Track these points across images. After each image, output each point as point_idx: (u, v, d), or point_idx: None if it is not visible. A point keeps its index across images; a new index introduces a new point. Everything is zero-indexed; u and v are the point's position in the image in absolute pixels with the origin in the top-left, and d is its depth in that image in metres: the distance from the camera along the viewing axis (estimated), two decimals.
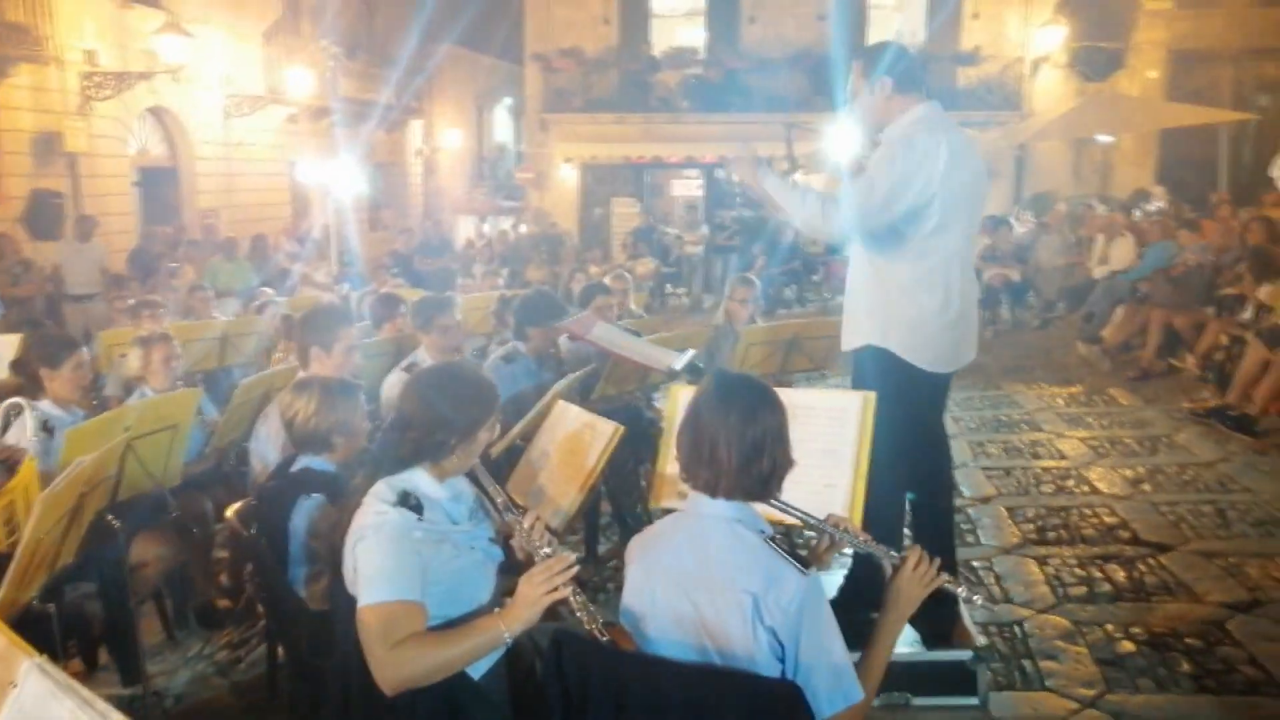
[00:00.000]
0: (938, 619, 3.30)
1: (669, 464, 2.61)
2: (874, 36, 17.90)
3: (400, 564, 1.93)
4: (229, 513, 2.70)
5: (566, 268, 17.62)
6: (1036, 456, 6.13)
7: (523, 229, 20.00)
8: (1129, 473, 5.63)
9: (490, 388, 2.21)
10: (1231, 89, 17.05)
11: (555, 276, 17.60)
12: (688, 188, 23.22)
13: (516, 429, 3.28)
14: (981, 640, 3.63)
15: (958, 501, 5.24)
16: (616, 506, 4.02)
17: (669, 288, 16.10)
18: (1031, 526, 4.87)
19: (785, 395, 2.49)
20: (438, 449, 2.10)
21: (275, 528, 2.59)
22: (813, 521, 2.09)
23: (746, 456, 1.91)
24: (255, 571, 2.68)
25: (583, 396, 4.18)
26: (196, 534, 4.00)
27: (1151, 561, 4.34)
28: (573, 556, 1.92)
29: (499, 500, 2.11)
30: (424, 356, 4.06)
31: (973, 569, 4.37)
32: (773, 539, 1.90)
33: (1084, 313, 9.94)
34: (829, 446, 2.38)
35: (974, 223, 3.48)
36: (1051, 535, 4.75)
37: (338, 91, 17.39)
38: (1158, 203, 14.73)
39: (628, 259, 17.10)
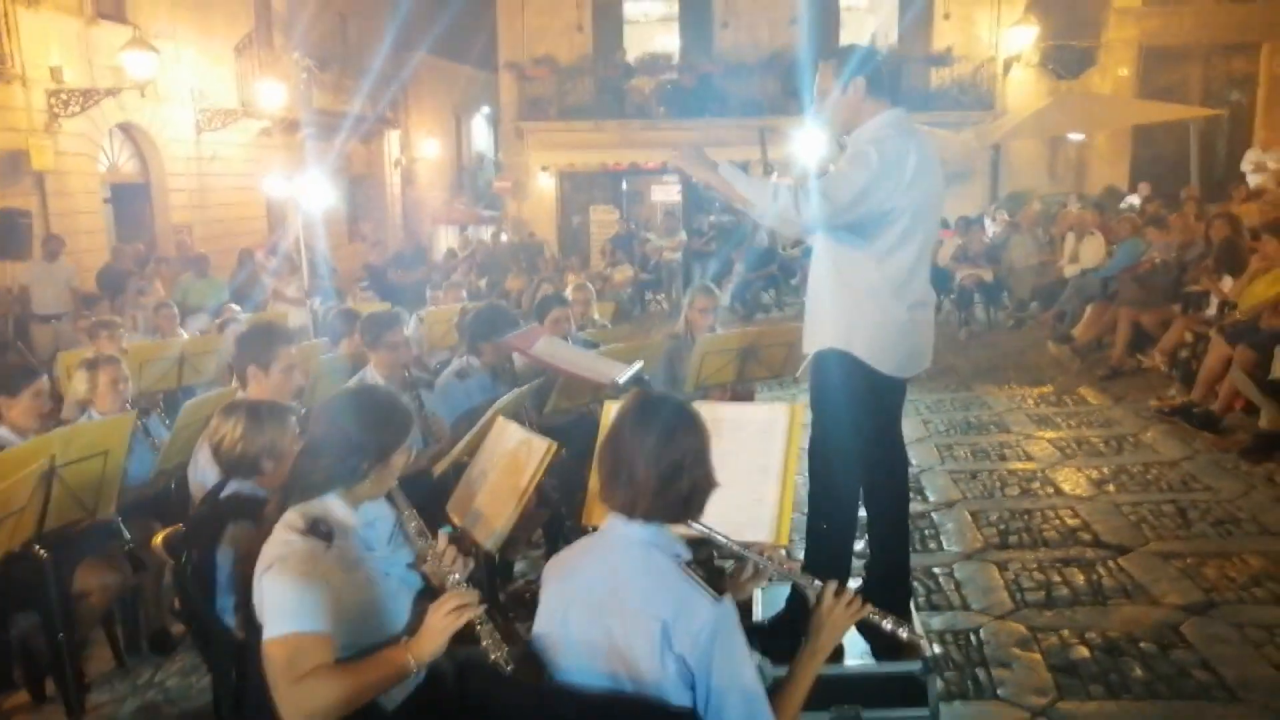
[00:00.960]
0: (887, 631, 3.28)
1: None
2: (847, 39, 17.96)
3: (306, 595, 1.89)
4: (156, 540, 2.65)
5: (545, 276, 17.62)
6: (1004, 459, 6.12)
7: (503, 238, 19.97)
8: (1094, 473, 5.62)
9: (403, 411, 2.17)
10: (1201, 85, 17.18)
11: (535, 285, 17.60)
12: (667, 193, 23.23)
13: (459, 446, 3.24)
14: (936, 649, 3.62)
15: (923, 507, 5.25)
16: (558, 522, 3.98)
17: (648, 294, 16.07)
18: (994, 531, 4.85)
19: (714, 410, 2.47)
20: (350, 474, 2.06)
21: (204, 555, 2.54)
22: (734, 549, 2.06)
23: (664, 478, 1.89)
24: (180, 601, 2.63)
25: (537, 410, 4.15)
26: (146, 559, 3.94)
27: (1111, 564, 4.33)
28: (477, 593, 1.89)
29: (412, 525, 2.08)
30: (373, 374, 4.01)
31: (933, 576, 4.35)
32: (689, 564, 1.87)
33: (1055, 312, 9.96)
34: (758, 462, 2.35)
35: (935, 230, 3.48)
36: (1014, 539, 4.74)
37: (311, 103, 17.36)
38: (1133, 199, 14.82)
39: (606, 266, 17.08)
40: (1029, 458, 6.09)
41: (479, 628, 1.84)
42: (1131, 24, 17.18)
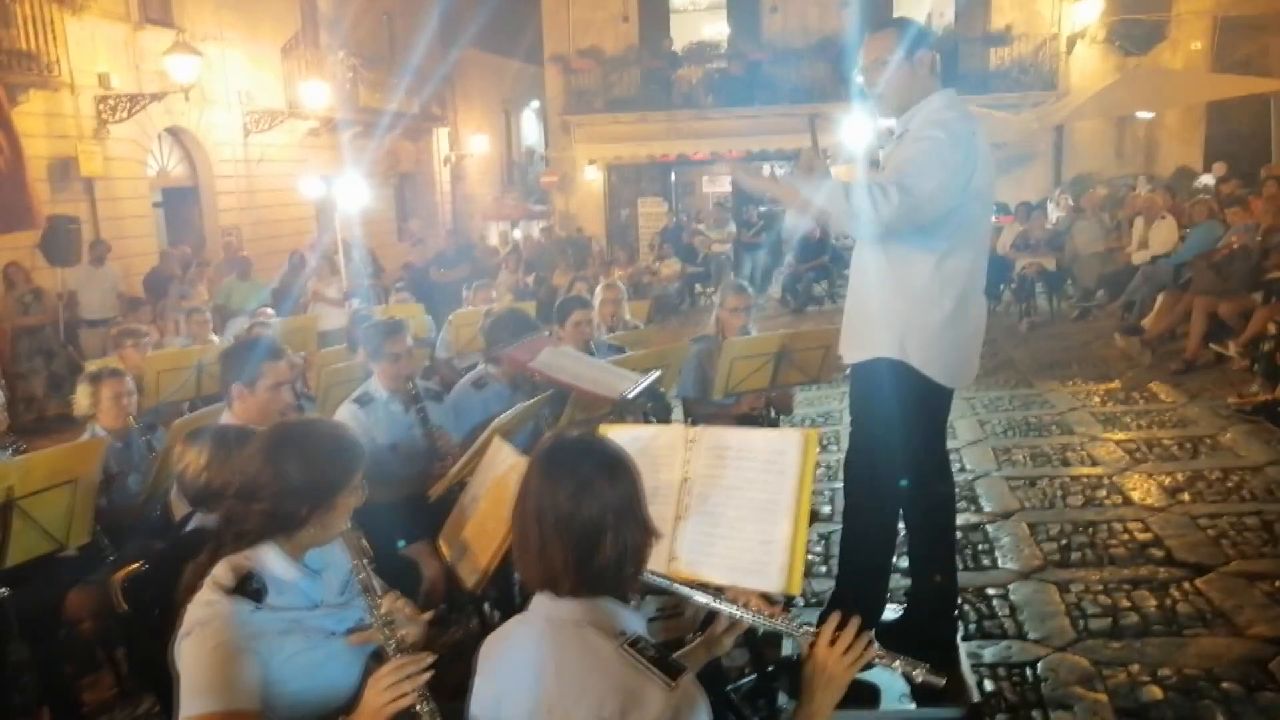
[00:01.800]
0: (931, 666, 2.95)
1: None
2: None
3: (229, 667, 1.64)
4: (116, 577, 2.44)
5: (592, 271, 17.38)
6: (1066, 463, 5.69)
7: (547, 233, 19.80)
8: (1167, 480, 5.17)
9: (351, 445, 1.91)
10: None
11: (581, 280, 17.38)
12: (717, 185, 22.85)
13: (455, 468, 2.99)
14: (986, 687, 3.27)
15: (976, 518, 4.87)
16: None
17: (698, 287, 15.74)
18: (1055, 546, 4.46)
19: (718, 438, 2.17)
20: (288, 520, 1.81)
21: (160, 596, 2.32)
22: (701, 601, 1.77)
23: (581, 547, 1.59)
24: (128, 646, 2.41)
25: (553, 422, 3.88)
26: None
27: (1187, 586, 3.91)
28: (429, 658, 1.61)
29: (359, 578, 1.82)
30: (376, 387, 3.78)
31: (985, 598, 3.99)
32: (634, 643, 1.55)
33: (1123, 301, 9.40)
34: (767, 496, 2.05)
35: (989, 223, 3.18)
36: (1076, 556, 4.34)
37: (357, 102, 17.35)
38: (1207, 180, 14.03)
39: (654, 260, 16.79)
40: (1094, 462, 5.65)
41: (420, 707, 1.57)
42: None
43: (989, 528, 4.77)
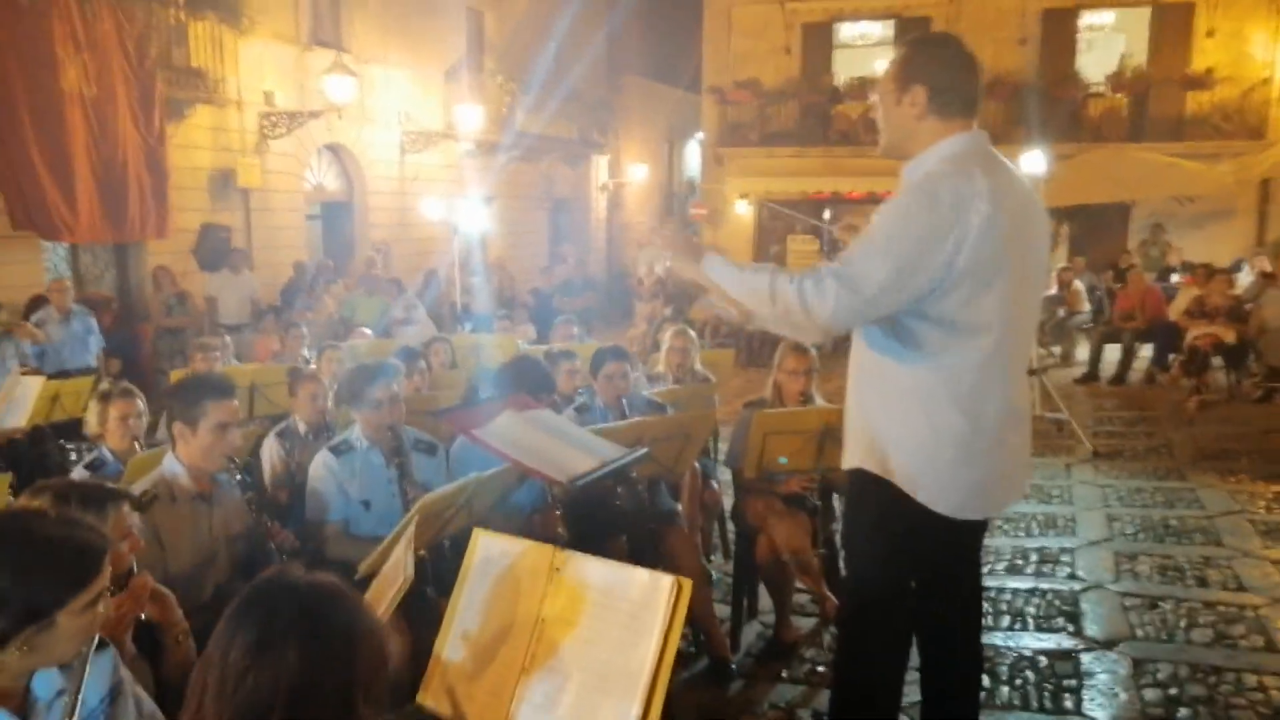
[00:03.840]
0: None
1: (449, 636, 1.84)
2: (1087, 62, 16.10)
3: None
4: None
5: (666, 317, 16.84)
6: (1203, 583, 4.75)
7: None
8: None
9: (74, 552, 1.55)
10: None
11: (656, 325, 16.89)
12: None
13: (379, 548, 2.59)
14: None
15: (1070, 642, 4.09)
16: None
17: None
18: (1160, 695, 3.63)
19: (580, 570, 1.69)
20: None
21: None
22: None
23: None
24: None
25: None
26: None
27: None
28: None
29: (72, 705, 1.44)
30: (357, 435, 3.46)
31: None
32: None
33: None
34: (622, 661, 1.54)
35: (1029, 303, 2.46)
36: (1185, 714, 3.50)
37: (515, 127, 17.62)
38: None
39: None
40: (1240, 586, 4.69)
41: None
42: None
43: (1084, 658, 3.97)
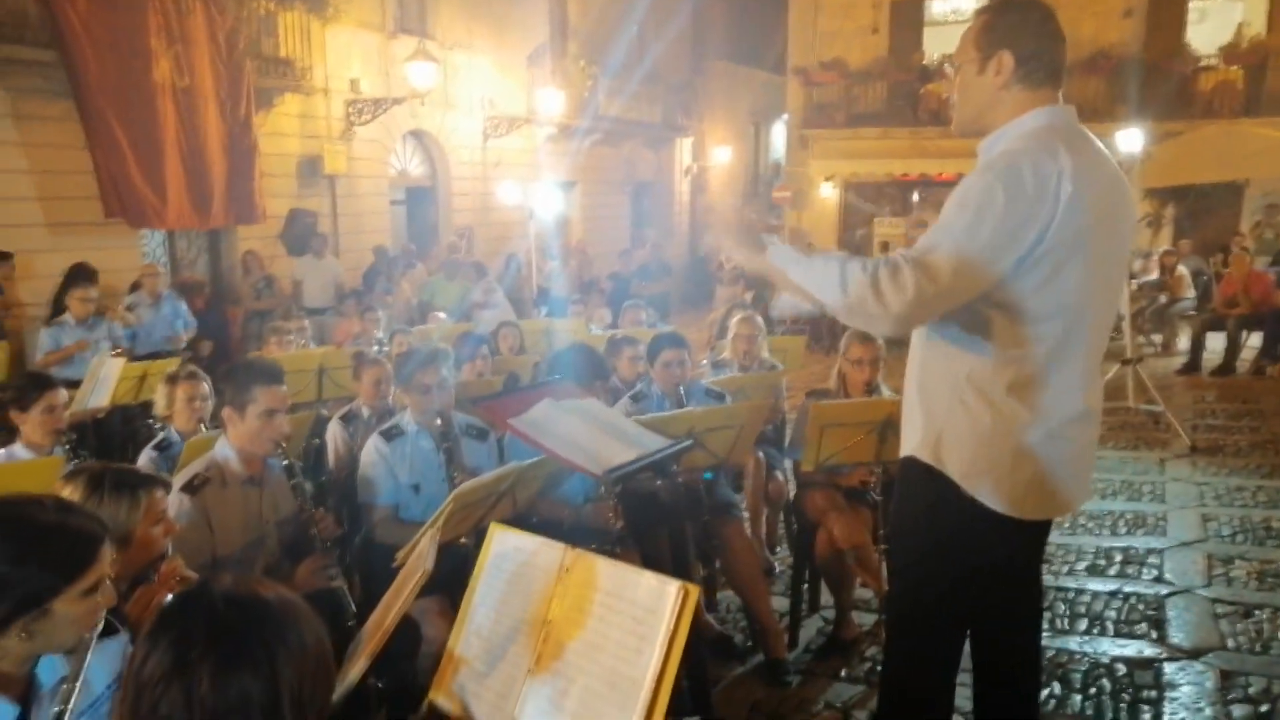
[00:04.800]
0: None
1: (462, 632, 1.79)
2: (1196, 34, 15.23)
3: None
4: None
5: (737, 303, 16.56)
6: None
7: None
8: None
9: (84, 536, 1.54)
10: None
11: (726, 312, 16.63)
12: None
13: (417, 535, 2.57)
14: None
15: (1151, 650, 3.87)
16: None
17: None
18: (1250, 712, 3.38)
19: (591, 568, 1.62)
20: None
21: None
22: None
23: None
24: None
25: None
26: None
27: None
28: None
29: (55, 710, 1.42)
30: (407, 420, 3.46)
31: None
32: None
33: None
34: (625, 668, 1.46)
35: (1106, 292, 2.27)
36: None
37: (598, 111, 17.58)
38: None
39: None
40: None
41: None
42: None
43: (1167, 667, 3.74)
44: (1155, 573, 4.69)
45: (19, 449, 3.53)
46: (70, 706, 1.47)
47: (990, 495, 2.16)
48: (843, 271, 2.06)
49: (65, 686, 1.50)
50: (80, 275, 7.78)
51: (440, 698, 1.75)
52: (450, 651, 1.79)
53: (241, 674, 1.13)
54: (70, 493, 2.14)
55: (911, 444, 2.32)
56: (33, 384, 3.61)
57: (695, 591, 1.45)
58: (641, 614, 1.48)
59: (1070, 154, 2.06)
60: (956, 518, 2.19)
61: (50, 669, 1.58)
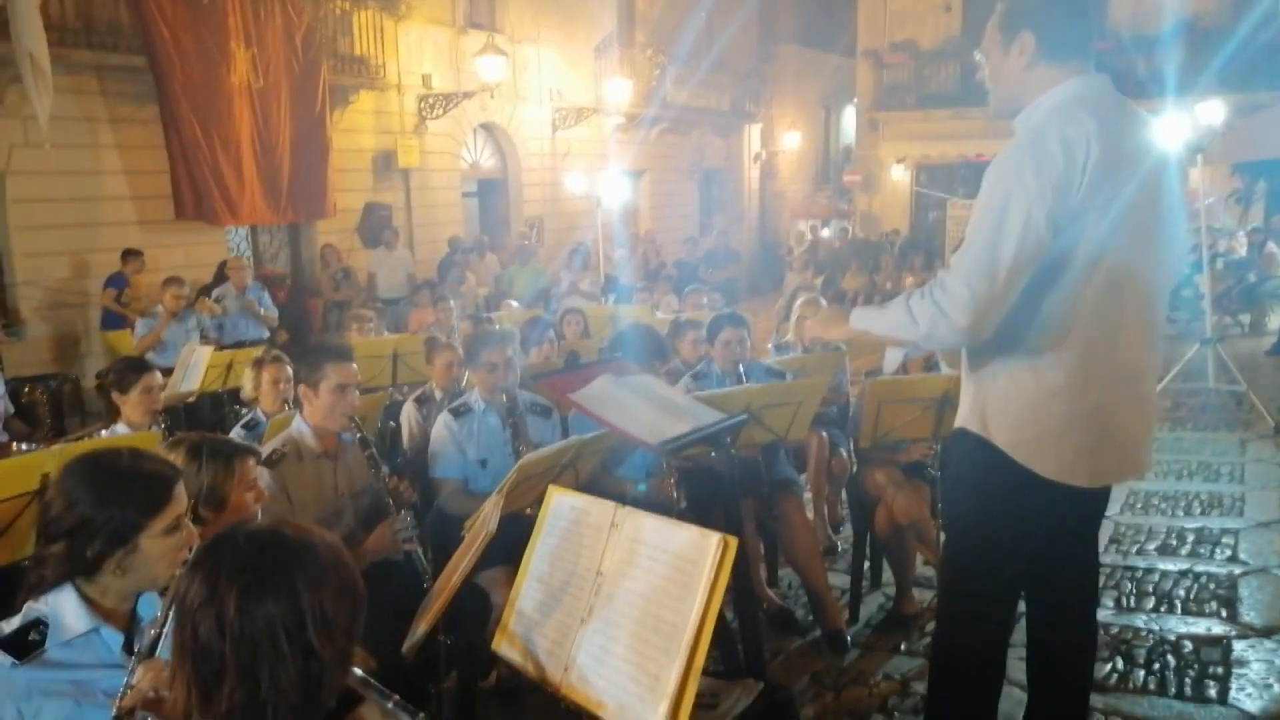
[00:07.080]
0: None
1: (523, 585, 1.91)
2: None
3: None
4: None
5: (886, 275, 16.43)
6: None
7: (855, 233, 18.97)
8: None
9: (153, 479, 1.70)
10: None
11: (873, 285, 16.48)
12: None
13: (484, 504, 2.71)
14: None
15: (1221, 628, 3.82)
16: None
17: None
18: None
19: (638, 524, 1.73)
20: (80, 564, 1.63)
21: None
22: None
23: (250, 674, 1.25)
24: None
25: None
26: None
27: None
28: None
29: (151, 634, 1.58)
30: (475, 398, 3.61)
31: None
32: None
33: None
34: (668, 615, 1.56)
35: (1151, 262, 2.27)
36: None
37: (666, 99, 17.65)
38: None
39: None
40: None
41: None
42: None
43: (1236, 644, 3.69)
44: (1229, 552, 4.60)
45: (120, 427, 3.80)
46: (165, 631, 1.63)
47: (1036, 461, 2.20)
48: (908, 308, 2.16)
49: (159, 615, 1.66)
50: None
51: (502, 647, 1.88)
52: (511, 603, 1.92)
53: (264, 600, 1.27)
54: (174, 459, 2.33)
55: (962, 415, 2.37)
56: (130, 367, 3.87)
57: (734, 543, 1.54)
58: (685, 565, 1.58)
59: (1096, 119, 2.09)
60: (1009, 486, 2.23)
61: (149, 605, 1.75)
